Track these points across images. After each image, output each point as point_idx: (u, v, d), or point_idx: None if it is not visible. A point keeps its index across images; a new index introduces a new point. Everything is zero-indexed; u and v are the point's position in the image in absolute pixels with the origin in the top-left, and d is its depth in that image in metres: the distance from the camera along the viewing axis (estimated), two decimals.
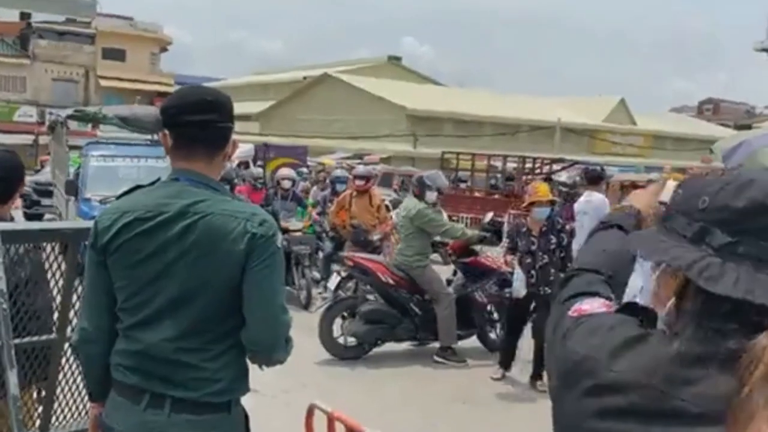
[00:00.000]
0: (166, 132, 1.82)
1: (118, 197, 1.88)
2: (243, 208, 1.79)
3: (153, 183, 1.86)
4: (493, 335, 6.38)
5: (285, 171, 9.69)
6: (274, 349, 1.81)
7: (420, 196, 6.12)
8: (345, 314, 6.07)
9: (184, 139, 1.81)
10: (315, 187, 13.52)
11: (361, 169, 9.74)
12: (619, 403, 0.88)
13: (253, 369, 1.86)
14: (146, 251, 1.75)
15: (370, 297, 6.16)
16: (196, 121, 1.79)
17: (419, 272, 5.99)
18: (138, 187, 1.86)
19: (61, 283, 2.54)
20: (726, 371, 0.80)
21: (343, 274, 6.74)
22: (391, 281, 6.02)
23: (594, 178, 7.23)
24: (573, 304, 1.10)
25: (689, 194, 0.93)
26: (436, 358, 5.94)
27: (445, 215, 8.50)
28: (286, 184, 9.15)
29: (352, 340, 5.98)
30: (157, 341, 1.76)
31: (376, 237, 7.99)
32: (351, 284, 6.90)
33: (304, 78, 39.88)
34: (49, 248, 2.58)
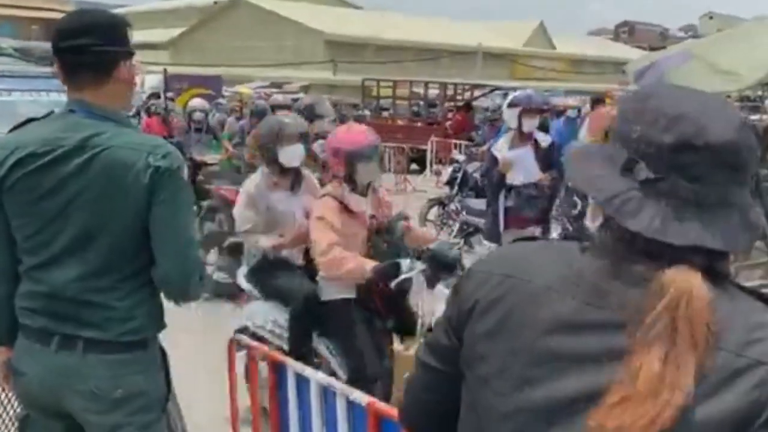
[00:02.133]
0: (56, 59, 1.74)
1: (10, 131, 1.79)
2: (144, 141, 1.73)
3: (47, 115, 1.77)
4: None
5: (196, 102, 9.22)
6: (187, 285, 1.77)
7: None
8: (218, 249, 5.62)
9: (67, 67, 1.74)
10: (231, 118, 13.02)
11: (279, 98, 9.42)
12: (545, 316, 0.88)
13: (170, 306, 1.84)
14: (44, 188, 1.68)
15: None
16: (72, 46, 1.70)
17: None
18: (31, 120, 1.78)
19: None
20: (637, 288, 0.83)
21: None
22: None
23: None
24: None
25: (625, 120, 0.89)
26: None
27: None
28: (198, 116, 8.71)
29: (224, 276, 5.54)
30: (63, 282, 1.71)
31: None
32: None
33: (215, 2, 37.97)
34: None
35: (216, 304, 5.50)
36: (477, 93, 17.98)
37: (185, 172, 1.75)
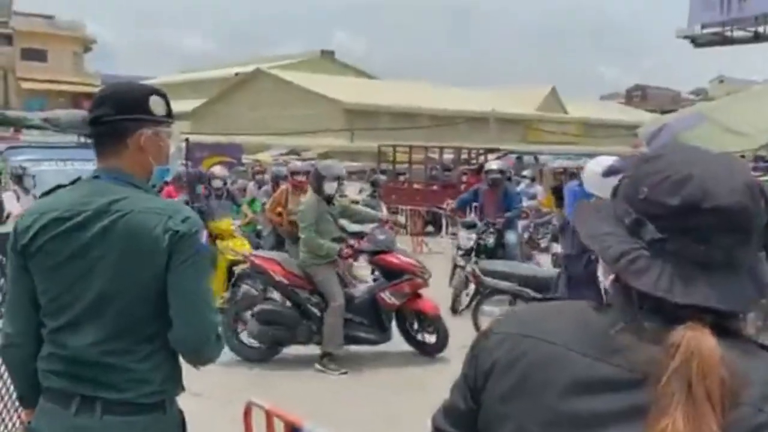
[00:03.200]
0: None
1: (40, 197, 1.89)
2: (165, 205, 1.78)
3: (74, 182, 1.83)
4: (432, 339, 5.94)
5: (216, 169, 9.44)
6: (203, 348, 1.80)
7: (318, 190, 5.84)
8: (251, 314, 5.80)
9: (93, 136, 1.83)
10: (251, 184, 13.26)
11: (298, 164, 9.60)
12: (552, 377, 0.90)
13: (192, 371, 1.85)
14: (66, 252, 1.72)
15: (275, 297, 5.86)
16: (93, 117, 1.80)
17: (313, 271, 5.73)
18: (59, 186, 1.83)
19: None
20: (651, 344, 0.85)
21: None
22: (285, 281, 5.73)
23: None
24: None
25: (634, 180, 0.92)
26: (316, 365, 5.61)
27: (382, 208, 8.45)
28: (217, 183, 8.91)
29: (254, 342, 5.75)
30: (83, 345, 1.73)
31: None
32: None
33: (236, 74, 39.20)
34: None
35: (239, 367, 5.56)
36: (491, 157, 18.24)
37: (204, 237, 1.79)
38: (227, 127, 31.80)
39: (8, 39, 36.53)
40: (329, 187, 5.84)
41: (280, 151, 28.89)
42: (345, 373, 5.55)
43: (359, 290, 5.99)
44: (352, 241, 5.98)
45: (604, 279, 0.97)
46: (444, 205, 11.55)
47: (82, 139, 11.77)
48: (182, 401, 1.87)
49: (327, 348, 5.64)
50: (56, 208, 1.74)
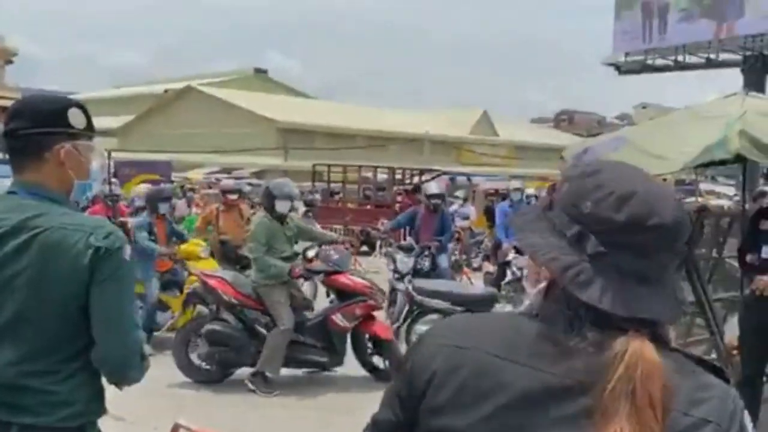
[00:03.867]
0: None
1: None
2: (85, 221, 1.72)
3: None
4: (383, 363, 5.73)
5: (140, 187, 9.17)
6: (127, 367, 1.74)
7: (270, 209, 5.71)
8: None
9: (7, 151, 1.76)
10: (180, 201, 12.92)
11: (229, 182, 9.48)
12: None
13: (115, 393, 1.79)
14: None
15: (227, 317, 5.64)
16: (7, 130, 1.74)
17: (263, 291, 5.56)
18: None
19: None
20: (592, 353, 0.87)
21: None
22: (234, 300, 5.55)
23: None
24: None
25: (575, 194, 0.94)
26: (246, 382, 5.41)
27: (316, 226, 8.34)
28: (139, 202, 8.64)
29: (203, 363, 5.58)
30: None
31: (246, 252, 7.69)
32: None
33: (166, 91, 38.44)
34: None
35: (166, 389, 5.29)
36: (425, 177, 18.42)
37: (128, 253, 1.72)
38: (156, 145, 31.03)
39: None
40: (281, 206, 5.70)
41: (211, 169, 28.38)
42: (276, 394, 5.39)
43: (313, 312, 5.82)
44: (301, 262, 5.83)
45: (531, 288, 0.99)
46: (378, 225, 11.56)
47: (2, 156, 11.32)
48: (104, 426, 1.80)
49: (262, 367, 5.44)
50: None
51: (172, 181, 17.79)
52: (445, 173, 18.40)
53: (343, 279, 5.73)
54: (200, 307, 6.12)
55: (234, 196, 8.20)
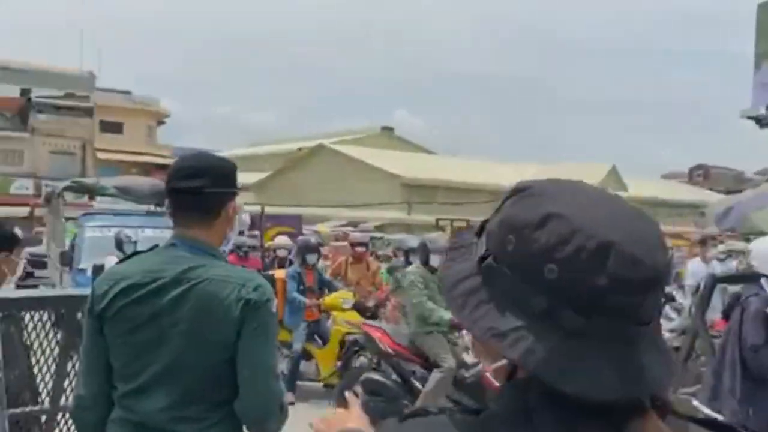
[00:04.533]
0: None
1: (118, 263, 1.92)
2: (237, 273, 1.79)
3: (151, 249, 1.86)
4: None
5: (281, 239, 9.71)
6: (267, 418, 1.79)
7: (425, 262, 5.77)
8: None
9: (179, 206, 1.84)
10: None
11: (357, 235, 9.82)
12: None
13: None
14: (141, 318, 1.75)
15: (385, 368, 5.71)
16: (186, 187, 1.81)
17: (422, 340, 5.53)
18: (136, 253, 1.89)
19: (56, 351, 2.53)
20: None
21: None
22: (391, 351, 5.59)
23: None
24: None
25: (529, 254, 0.72)
26: None
27: None
28: (282, 252, 9.13)
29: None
30: (152, 411, 1.74)
31: (371, 304, 7.87)
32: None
33: (299, 149, 40.49)
34: (36, 317, 2.55)
35: None
36: None
37: (274, 306, 1.79)
38: (288, 200, 32.67)
39: (89, 112, 38.92)
40: (436, 260, 5.66)
41: (338, 222, 29.39)
42: None
43: (469, 371, 5.56)
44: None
45: (487, 366, 0.82)
46: None
47: (152, 207, 12.41)
48: None
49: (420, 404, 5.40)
50: (133, 274, 1.78)
51: (302, 234, 18.66)
52: None
53: None
54: (362, 358, 6.26)
55: (362, 249, 8.47)
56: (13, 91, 39.83)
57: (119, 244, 8.43)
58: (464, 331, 6.30)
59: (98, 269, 7.67)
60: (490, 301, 0.74)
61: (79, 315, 2.43)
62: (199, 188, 1.80)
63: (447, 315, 5.41)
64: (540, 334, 0.70)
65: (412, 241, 6.27)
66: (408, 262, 7.47)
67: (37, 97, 38.63)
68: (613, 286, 0.69)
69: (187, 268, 1.75)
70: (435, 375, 5.36)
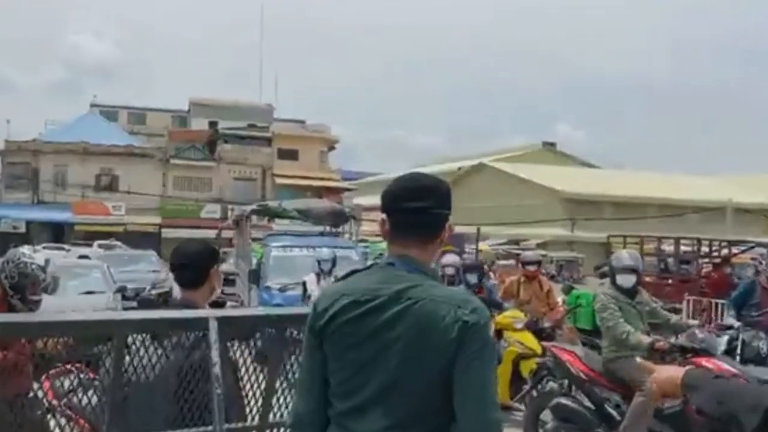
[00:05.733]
0: (384, 217, 1.85)
1: (336, 281, 1.96)
2: (454, 295, 1.76)
3: (369, 267, 1.89)
4: None
5: (450, 258, 9.81)
6: None
7: (613, 282, 5.36)
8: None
9: (400, 225, 1.82)
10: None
11: (529, 254, 9.48)
12: None
13: None
14: (359, 336, 1.74)
15: (576, 394, 5.40)
16: (411, 208, 1.80)
17: (616, 366, 5.12)
18: (355, 271, 1.90)
19: (257, 369, 2.56)
20: None
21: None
22: (583, 376, 5.23)
23: None
24: None
25: None
26: None
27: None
28: (450, 270, 9.28)
29: None
30: (369, 431, 1.72)
31: (546, 324, 7.59)
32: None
33: (459, 169, 40.93)
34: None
35: None
36: (735, 250, 16.81)
37: (491, 329, 1.78)
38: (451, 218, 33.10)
39: (268, 141, 42.25)
40: (623, 280, 5.28)
41: (498, 240, 29.26)
42: None
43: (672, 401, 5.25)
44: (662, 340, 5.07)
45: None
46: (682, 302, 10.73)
47: (327, 228, 13.26)
48: None
49: None
50: (353, 291, 1.78)
51: (464, 252, 18.94)
52: (759, 244, 16.55)
53: (707, 363, 4.85)
54: (551, 384, 6.00)
55: (533, 268, 8.23)
56: (202, 125, 44.40)
57: (318, 264, 8.87)
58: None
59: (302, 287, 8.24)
60: None
61: (288, 333, 2.54)
62: (425, 209, 1.80)
63: (646, 339, 5.02)
64: None
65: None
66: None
67: (223, 129, 42.62)
68: None
69: (405, 288, 1.74)
70: (637, 399, 4.92)
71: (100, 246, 24.48)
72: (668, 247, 18.11)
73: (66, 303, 6.99)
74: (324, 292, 1.92)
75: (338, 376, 1.77)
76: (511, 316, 7.47)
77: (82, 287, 10.48)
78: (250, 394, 2.54)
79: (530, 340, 7.00)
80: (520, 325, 7.28)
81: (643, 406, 4.88)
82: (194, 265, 2.77)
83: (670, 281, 16.32)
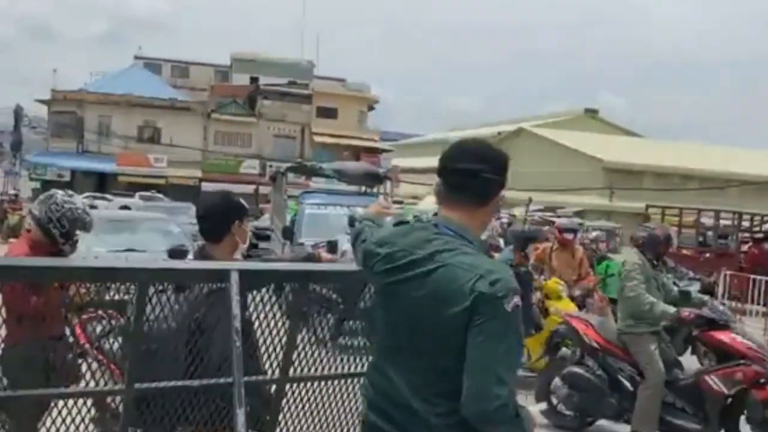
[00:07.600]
0: (439, 180, 1.86)
1: (393, 225, 2.00)
2: (483, 264, 1.72)
3: (413, 223, 1.93)
4: None
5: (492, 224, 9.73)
6: (484, 422, 1.67)
7: (642, 251, 5.26)
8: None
9: (452, 186, 1.82)
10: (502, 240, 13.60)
11: (565, 221, 9.43)
12: None
13: None
14: (389, 289, 1.81)
15: (589, 362, 5.37)
16: (463, 169, 1.79)
17: (630, 340, 5.08)
18: (402, 222, 1.97)
19: (285, 324, 2.53)
20: None
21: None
22: (596, 345, 5.25)
23: None
24: None
25: None
26: None
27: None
28: (491, 239, 9.18)
29: (563, 408, 5.41)
30: (396, 383, 1.77)
31: (577, 293, 7.56)
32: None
33: (498, 133, 40.42)
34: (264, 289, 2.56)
35: None
36: None
37: (512, 303, 1.66)
38: None
39: (308, 99, 42.25)
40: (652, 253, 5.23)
41: (535, 207, 28.94)
42: None
43: (684, 372, 5.22)
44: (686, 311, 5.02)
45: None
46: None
47: (364, 189, 13.30)
48: None
49: (636, 428, 5.00)
50: (395, 243, 1.84)
51: (500, 218, 18.87)
52: None
53: (721, 336, 4.99)
54: (564, 350, 6.03)
55: (570, 236, 8.09)
56: (243, 80, 44.53)
57: (351, 222, 9.01)
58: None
59: (333, 245, 8.28)
60: None
61: (311, 288, 2.57)
62: (478, 171, 1.78)
63: (670, 309, 4.95)
64: None
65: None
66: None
67: (264, 85, 42.68)
68: None
69: (437, 250, 1.74)
70: (642, 393, 4.97)
71: (141, 197, 25.05)
72: (708, 221, 17.72)
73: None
74: (374, 238, 1.95)
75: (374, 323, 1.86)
76: (557, 282, 7.40)
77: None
78: (270, 348, 2.51)
79: (572, 309, 6.91)
80: (564, 294, 7.23)
81: (649, 400, 4.92)
82: (213, 218, 2.69)
83: (707, 255, 16.00)
